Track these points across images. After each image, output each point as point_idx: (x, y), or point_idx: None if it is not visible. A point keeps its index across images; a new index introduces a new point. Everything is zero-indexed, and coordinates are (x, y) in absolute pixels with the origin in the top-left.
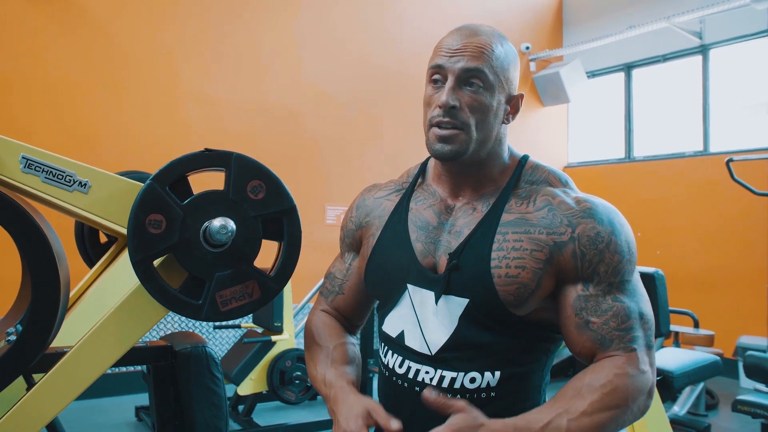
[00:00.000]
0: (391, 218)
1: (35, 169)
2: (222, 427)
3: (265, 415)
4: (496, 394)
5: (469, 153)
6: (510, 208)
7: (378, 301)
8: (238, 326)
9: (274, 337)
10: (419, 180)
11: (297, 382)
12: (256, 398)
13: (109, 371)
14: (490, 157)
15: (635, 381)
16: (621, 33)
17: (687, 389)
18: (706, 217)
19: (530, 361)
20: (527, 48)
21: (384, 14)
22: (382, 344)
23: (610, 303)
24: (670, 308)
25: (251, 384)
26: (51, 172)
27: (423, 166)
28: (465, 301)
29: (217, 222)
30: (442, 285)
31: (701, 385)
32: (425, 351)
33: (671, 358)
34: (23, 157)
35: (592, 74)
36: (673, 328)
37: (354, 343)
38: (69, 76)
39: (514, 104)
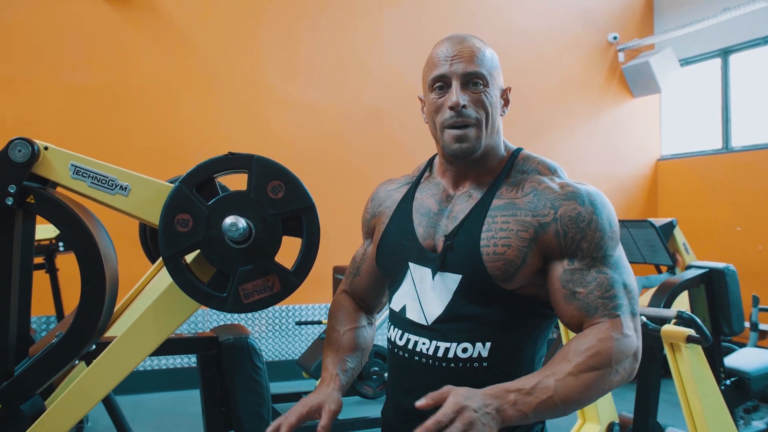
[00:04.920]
0: (398, 207)
1: (82, 175)
2: (263, 414)
3: (344, 408)
4: (487, 364)
5: (482, 147)
6: (501, 194)
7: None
8: (319, 322)
9: None
10: (426, 174)
11: (374, 377)
12: None
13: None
14: (491, 149)
15: (619, 344)
16: (716, 16)
17: None
18: None
19: (521, 335)
20: (615, 38)
21: (470, 8)
22: (389, 321)
23: (594, 275)
24: (766, 307)
25: None
26: (96, 177)
27: (430, 162)
28: (458, 277)
29: (228, 220)
30: (438, 263)
31: None
32: (422, 322)
33: (749, 358)
34: (72, 165)
35: (685, 62)
36: None
37: (366, 325)
38: (156, 84)
39: (505, 97)
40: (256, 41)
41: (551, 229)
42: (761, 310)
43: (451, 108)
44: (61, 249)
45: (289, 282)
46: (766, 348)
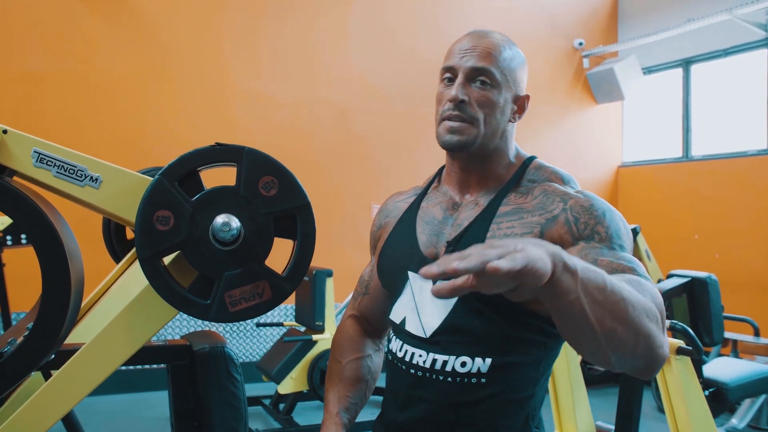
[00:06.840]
0: (402, 216)
1: (47, 164)
2: (240, 429)
3: (305, 414)
4: (486, 381)
5: (476, 145)
6: (509, 201)
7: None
8: (281, 324)
9: (315, 336)
10: (435, 184)
11: None
12: (297, 397)
13: (156, 367)
14: (496, 153)
15: (652, 288)
16: (679, 27)
17: (747, 401)
18: None
19: (523, 353)
20: (580, 44)
21: (435, 8)
22: (391, 331)
23: (618, 252)
24: (729, 315)
25: (292, 383)
26: (62, 166)
27: (439, 171)
28: None
29: (220, 219)
30: None
31: (763, 397)
32: (421, 334)
33: (726, 368)
34: (35, 151)
35: (648, 70)
36: (732, 336)
37: (372, 354)
38: (118, 74)
39: (520, 104)
40: (222, 33)
41: (560, 219)
42: (725, 318)
43: (451, 101)
44: (9, 243)
45: (280, 288)
46: (727, 356)
